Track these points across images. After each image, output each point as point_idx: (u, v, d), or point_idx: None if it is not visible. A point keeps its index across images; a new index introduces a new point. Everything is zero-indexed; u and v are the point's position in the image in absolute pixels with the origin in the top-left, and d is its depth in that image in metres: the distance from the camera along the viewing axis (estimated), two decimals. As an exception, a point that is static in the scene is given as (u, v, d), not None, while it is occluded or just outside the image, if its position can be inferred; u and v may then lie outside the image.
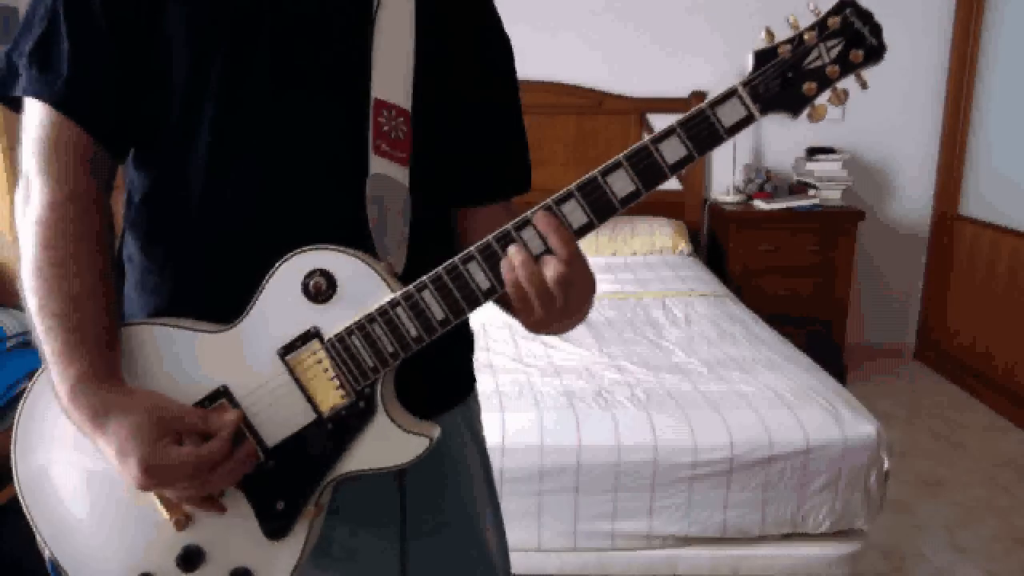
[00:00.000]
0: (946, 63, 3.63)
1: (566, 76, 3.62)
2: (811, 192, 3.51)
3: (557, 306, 0.75)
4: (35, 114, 0.78)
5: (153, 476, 0.71)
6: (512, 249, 0.74)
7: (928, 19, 3.61)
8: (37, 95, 0.77)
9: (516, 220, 0.75)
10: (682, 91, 3.68)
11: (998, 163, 3.36)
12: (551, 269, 0.74)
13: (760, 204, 3.51)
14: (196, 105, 0.79)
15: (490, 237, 0.75)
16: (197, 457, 0.72)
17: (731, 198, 3.63)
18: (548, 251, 0.74)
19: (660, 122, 3.70)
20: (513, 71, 0.97)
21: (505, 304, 0.83)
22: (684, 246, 3.53)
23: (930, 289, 3.83)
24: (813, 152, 3.58)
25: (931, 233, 3.80)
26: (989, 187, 3.42)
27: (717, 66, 3.65)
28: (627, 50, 3.68)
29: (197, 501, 0.76)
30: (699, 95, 3.64)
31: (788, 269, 3.46)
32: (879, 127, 3.71)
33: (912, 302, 3.93)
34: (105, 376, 0.74)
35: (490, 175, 0.95)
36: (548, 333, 0.82)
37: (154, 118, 0.80)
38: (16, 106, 0.81)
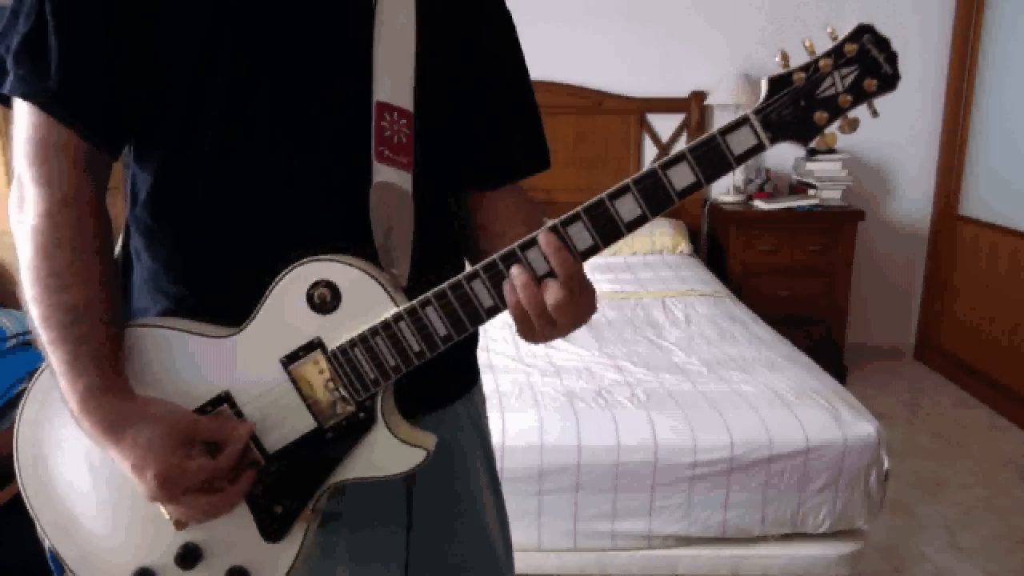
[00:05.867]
0: (946, 63, 3.63)
1: (566, 76, 3.62)
2: (811, 192, 3.51)
3: (556, 327, 0.76)
4: (24, 114, 0.76)
5: (168, 488, 0.72)
6: (515, 270, 0.74)
7: (928, 20, 3.60)
8: (25, 96, 0.75)
9: (523, 240, 0.75)
10: (682, 91, 3.68)
11: (998, 163, 3.36)
12: (551, 295, 0.74)
13: (760, 204, 3.51)
14: (198, 108, 0.77)
15: (496, 256, 0.75)
16: (211, 470, 0.74)
17: (731, 198, 3.63)
18: (551, 273, 0.75)
19: (660, 122, 3.70)
20: (518, 45, 0.95)
21: None
22: (684, 246, 3.53)
23: (930, 289, 3.83)
24: (813, 152, 3.58)
25: (931, 233, 3.80)
26: (989, 187, 3.42)
27: (717, 66, 3.65)
28: (627, 50, 3.68)
29: (202, 518, 0.77)
30: (699, 95, 3.65)
31: (788, 269, 3.46)
32: (879, 127, 3.71)
33: (912, 302, 3.93)
34: (113, 385, 0.75)
35: (506, 154, 0.94)
36: (542, 342, 0.82)
37: (153, 118, 0.79)
38: (4, 101, 0.79)
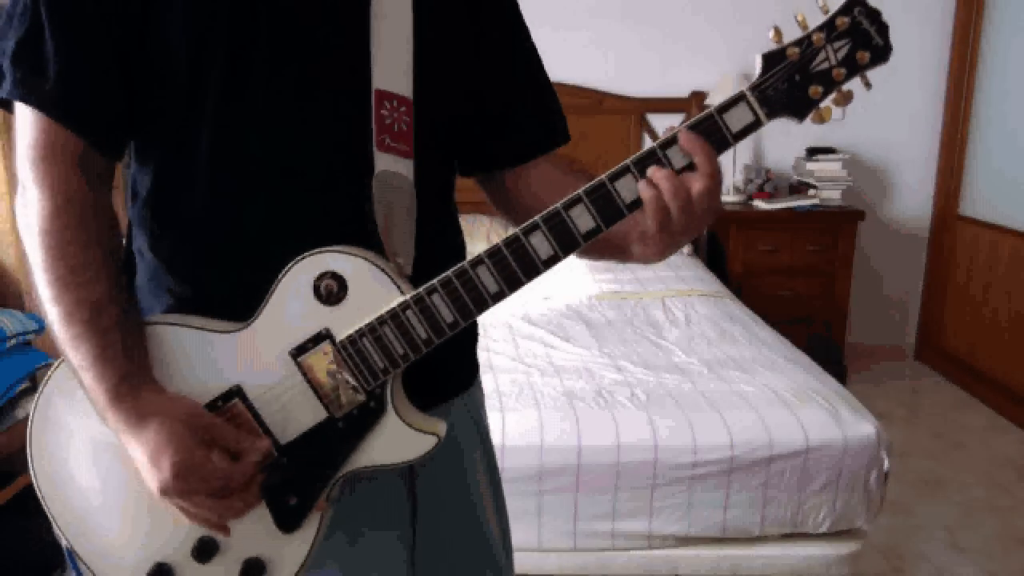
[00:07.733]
0: (946, 63, 3.63)
1: (566, 76, 3.62)
2: (811, 192, 3.51)
3: (694, 219, 0.75)
4: (25, 118, 0.76)
5: (182, 481, 0.72)
6: (652, 168, 0.74)
7: (928, 19, 3.60)
8: (24, 99, 0.75)
9: (520, 225, 0.75)
10: (682, 91, 3.68)
11: (998, 163, 3.36)
12: (696, 184, 0.73)
13: (760, 204, 3.51)
14: (195, 103, 0.77)
15: (500, 242, 0.76)
16: (227, 474, 0.74)
17: (731, 198, 3.63)
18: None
19: (660, 122, 3.70)
20: (522, 21, 0.95)
21: (603, 247, 0.83)
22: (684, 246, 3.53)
23: (930, 289, 3.83)
24: (813, 152, 3.58)
25: (931, 233, 3.80)
26: (989, 187, 3.42)
27: (717, 66, 3.65)
28: (627, 50, 3.68)
29: (208, 522, 0.77)
30: (699, 95, 3.64)
31: (788, 269, 3.46)
32: (879, 127, 3.71)
33: (912, 302, 3.93)
34: (141, 378, 0.75)
35: (531, 127, 0.94)
36: (660, 256, 0.81)
37: (151, 115, 0.79)
38: (5, 105, 0.79)
